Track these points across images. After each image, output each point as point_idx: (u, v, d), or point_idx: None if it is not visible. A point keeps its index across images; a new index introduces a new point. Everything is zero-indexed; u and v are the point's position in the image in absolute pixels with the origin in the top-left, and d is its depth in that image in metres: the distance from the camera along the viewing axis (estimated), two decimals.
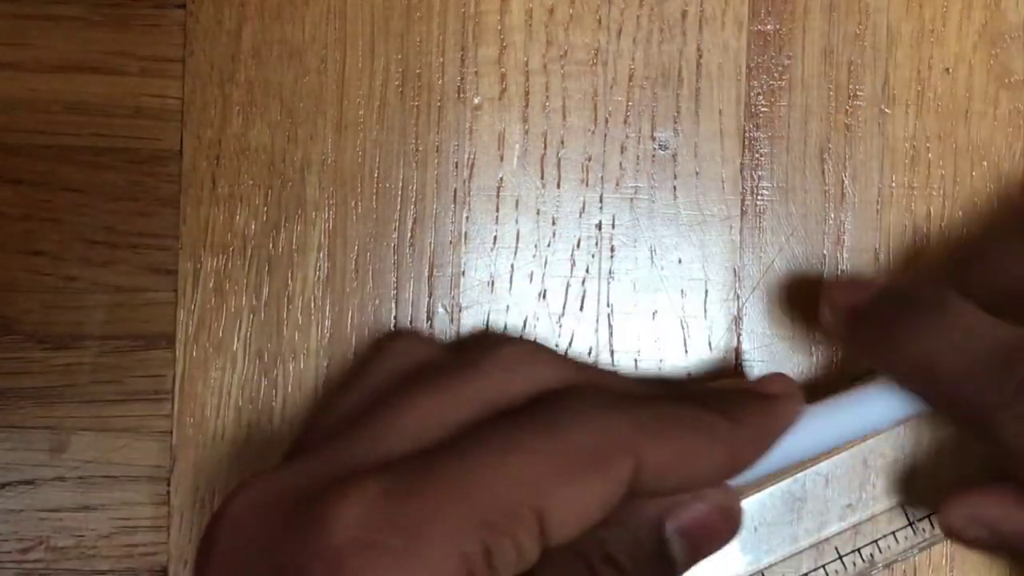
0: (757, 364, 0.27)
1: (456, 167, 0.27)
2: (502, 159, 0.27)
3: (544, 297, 0.27)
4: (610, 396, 0.23)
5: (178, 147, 0.27)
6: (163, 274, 0.27)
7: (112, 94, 0.27)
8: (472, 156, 0.27)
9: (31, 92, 0.27)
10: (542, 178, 0.27)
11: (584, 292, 0.28)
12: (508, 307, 0.27)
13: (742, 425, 0.23)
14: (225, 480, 0.27)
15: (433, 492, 0.20)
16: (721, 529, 0.24)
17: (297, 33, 0.27)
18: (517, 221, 0.27)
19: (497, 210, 0.27)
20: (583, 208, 0.27)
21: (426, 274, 0.27)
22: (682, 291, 0.27)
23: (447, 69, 0.27)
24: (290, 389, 0.27)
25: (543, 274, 0.27)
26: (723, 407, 0.23)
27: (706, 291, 0.27)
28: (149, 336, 0.27)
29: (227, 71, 0.27)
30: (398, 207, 0.27)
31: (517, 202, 0.27)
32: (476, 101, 0.27)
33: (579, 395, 0.23)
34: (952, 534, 0.25)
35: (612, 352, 0.27)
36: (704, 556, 0.24)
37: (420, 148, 0.27)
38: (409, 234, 0.27)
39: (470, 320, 0.27)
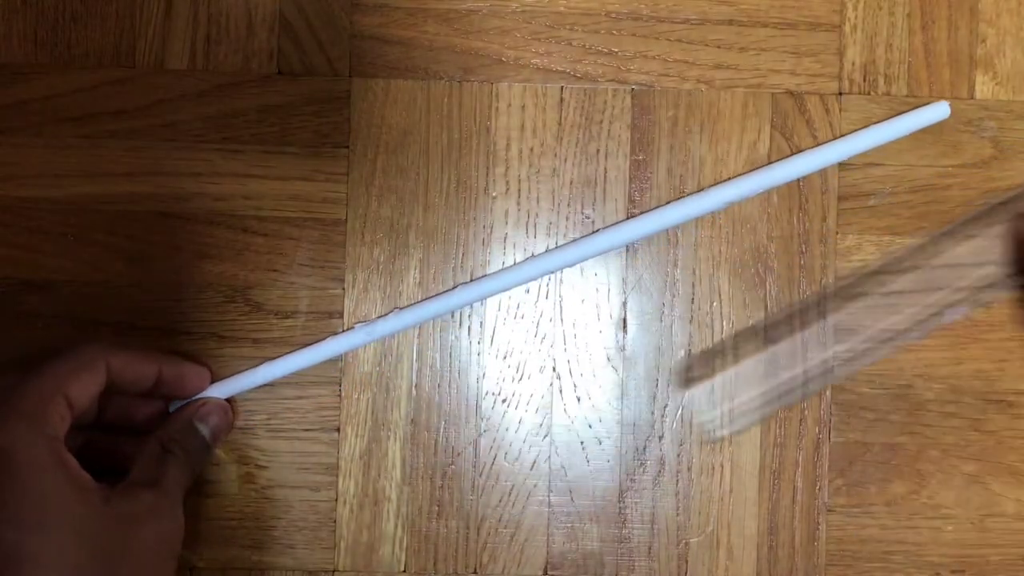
0: None
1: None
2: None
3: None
4: (107, 342, 0.42)
5: (344, 217, 0.52)
6: (336, 280, 0.52)
7: (312, 191, 0.52)
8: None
9: (264, 190, 0.51)
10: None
11: None
12: None
13: (170, 364, 0.43)
14: None
15: (20, 384, 0.38)
16: (221, 418, 0.44)
17: (404, 161, 0.53)
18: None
19: None
20: None
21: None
22: None
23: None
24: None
25: None
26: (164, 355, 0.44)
27: None
28: (331, 312, 0.52)
29: (369, 179, 0.53)
30: (455, 250, 0.53)
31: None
32: (493, 195, 0.53)
33: (89, 342, 0.42)
34: None
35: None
36: (221, 433, 0.44)
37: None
38: (462, 258, 0.52)
39: None
